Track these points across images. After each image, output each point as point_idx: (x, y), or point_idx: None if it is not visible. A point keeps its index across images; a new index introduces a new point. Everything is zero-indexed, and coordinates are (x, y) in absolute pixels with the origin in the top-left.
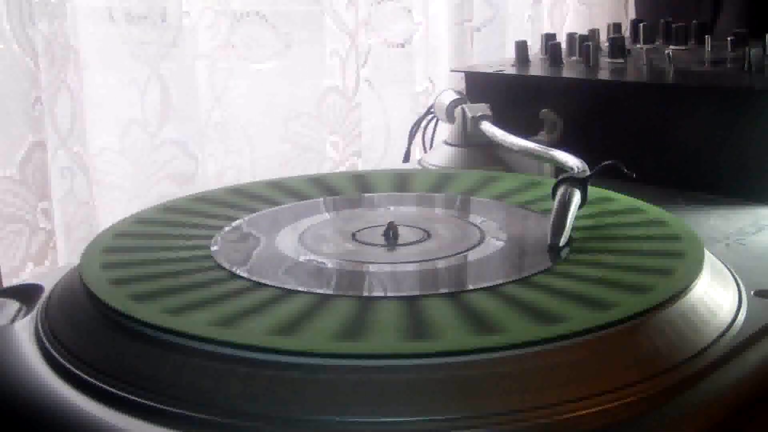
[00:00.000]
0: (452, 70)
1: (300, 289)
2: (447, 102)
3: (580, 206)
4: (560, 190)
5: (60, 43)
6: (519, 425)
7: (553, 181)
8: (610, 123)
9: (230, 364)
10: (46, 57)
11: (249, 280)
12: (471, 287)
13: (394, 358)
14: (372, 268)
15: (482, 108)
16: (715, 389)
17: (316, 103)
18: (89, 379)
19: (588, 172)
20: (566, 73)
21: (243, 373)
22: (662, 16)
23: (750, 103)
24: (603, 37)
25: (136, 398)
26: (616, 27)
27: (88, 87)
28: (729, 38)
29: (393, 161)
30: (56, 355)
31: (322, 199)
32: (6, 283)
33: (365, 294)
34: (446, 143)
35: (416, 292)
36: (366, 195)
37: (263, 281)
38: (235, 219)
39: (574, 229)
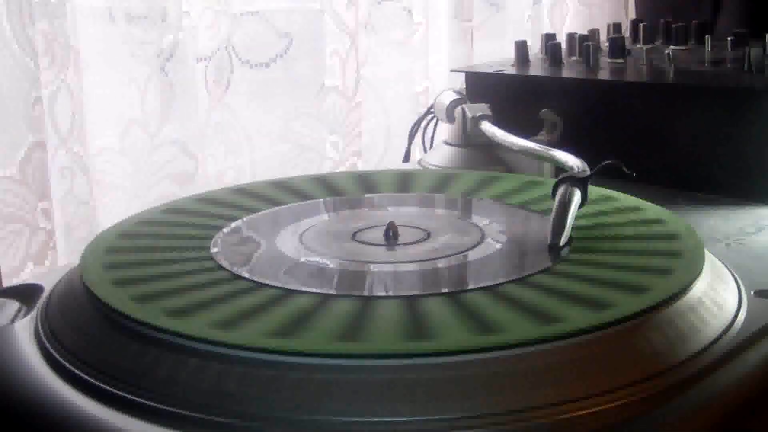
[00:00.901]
0: (452, 70)
1: (300, 289)
2: (447, 102)
3: (581, 206)
4: (560, 190)
5: (60, 43)
6: (519, 425)
7: (553, 180)
8: (610, 123)
9: (230, 364)
10: (46, 57)
11: (249, 280)
12: (471, 287)
13: (394, 358)
14: (372, 268)
15: (482, 108)
16: (715, 389)
17: (316, 103)
18: (89, 379)
19: (588, 172)
20: (566, 73)
21: (243, 373)
22: (662, 16)
23: (750, 103)
24: (603, 37)
25: (136, 398)
26: (616, 27)
27: (88, 87)
28: (729, 38)
29: (393, 161)
30: (56, 355)
31: (322, 199)
32: (6, 283)
33: (365, 294)
34: (446, 143)
35: (416, 292)
36: (366, 195)
37: (263, 282)
38: (237, 219)
39: (574, 228)
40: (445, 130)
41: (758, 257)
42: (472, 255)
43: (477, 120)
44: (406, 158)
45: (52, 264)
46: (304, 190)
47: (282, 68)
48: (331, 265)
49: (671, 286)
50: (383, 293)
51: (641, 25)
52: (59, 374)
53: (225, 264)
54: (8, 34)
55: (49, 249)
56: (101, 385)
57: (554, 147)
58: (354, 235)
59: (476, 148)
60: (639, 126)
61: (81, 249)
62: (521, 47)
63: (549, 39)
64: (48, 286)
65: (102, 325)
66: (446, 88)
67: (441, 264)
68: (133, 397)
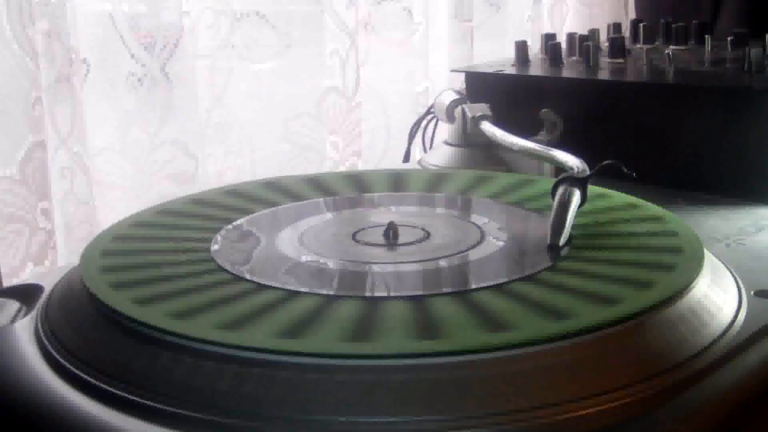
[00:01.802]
0: (452, 70)
1: (304, 290)
2: (447, 102)
3: (580, 206)
4: (560, 190)
5: (60, 43)
6: (519, 425)
7: (547, 179)
8: (610, 123)
9: (230, 364)
10: (46, 57)
11: (249, 281)
12: (473, 286)
13: (394, 359)
14: (376, 268)
15: (482, 108)
16: (715, 389)
17: (316, 103)
18: (89, 379)
19: (588, 172)
20: (566, 73)
21: (243, 373)
22: (662, 16)
23: (750, 103)
24: (603, 37)
25: (136, 398)
26: (616, 27)
27: (88, 87)
28: (729, 38)
29: (393, 161)
30: (56, 355)
31: (321, 199)
32: (6, 283)
33: (372, 295)
34: (446, 143)
35: (423, 292)
36: (365, 195)
37: (263, 282)
38: (231, 220)
39: (574, 227)
40: (445, 130)
41: (758, 257)
42: (473, 254)
43: (477, 120)
44: (406, 158)
45: (52, 264)
46: (295, 191)
47: (282, 68)
48: (335, 266)
49: (671, 287)
50: (389, 294)
51: (641, 25)
52: (59, 374)
53: (226, 265)
54: (8, 34)
55: (49, 249)
56: (101, 385)
57: (554, 147)
58: (354, 235)
59: (476, 148)
60: (639, 126)
61: (81, 249)
62: (521, 47)
63: (549, 39)
64: (48, 286)
65: (102, 326)
66: (446, 88)
67: (445, 263)
68: (133, 397)
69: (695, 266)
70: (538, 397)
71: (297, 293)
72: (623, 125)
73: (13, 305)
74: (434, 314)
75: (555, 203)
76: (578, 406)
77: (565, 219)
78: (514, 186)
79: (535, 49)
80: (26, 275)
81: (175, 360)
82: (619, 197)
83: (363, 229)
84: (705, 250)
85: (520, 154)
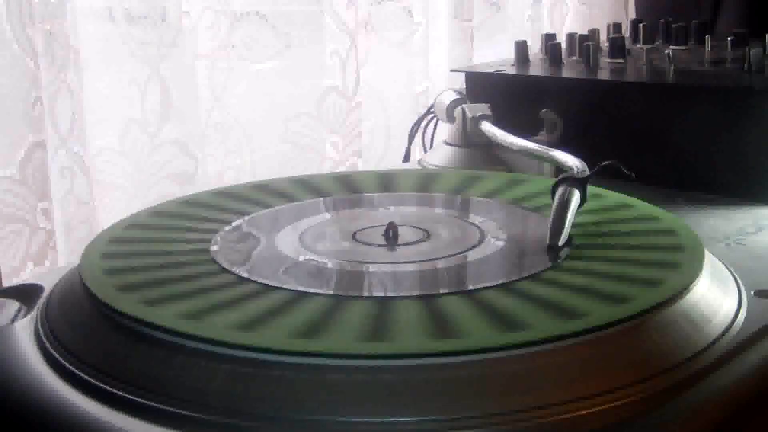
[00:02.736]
0: (452, 70)
1: (308, 291)
2: (447, 102)
3: (580, 206)
4: (560, 190)
5: (60, 43)
6: (519, 425)
7: (539, 179)
8: (610, 123)
9: (231, 364)
10: (46, 57)
11: (256, 282)
12: (481, 285)
13: (394, 359)
14: (382, 269)
15: (482, 108)
16: (715, 389)
17: (316, 103)
18: (89, 379)
19: (587, 172)
20: (566, 73)
21: (243, 373)
22: (662, 16)
23: (750, 103)
24: (603, 37)
25: (136, 398)
26: (616, 27)
27: (88, 87)
28: (729, 38)
29: (393, 161)
30: (56, 355)
31: (321, 199)
32: (6, 283)
33: (377, 295)
34: (446, 143)
35: (429, 292)
36: (363, 195)
37: (263, 282)
38: (228, 222)
39: (573, 226)
40: (445, 130)
41: (758, 257)
42: (475, 254)
43: (477, 120)
44: (406, 158)
45: (52, 264)
46: (286, 192)
47: (282, 68)
48: (338, 267)
49: (670, 287)
50: (398, 294)
51: (641, 25)
52: (59, 374)
53: (229, 266)
54: (8, 34)
55: (49, 249)
56: (101, 385)
57: (554, 147)
58: (354, 235)
59: (476, 148)
60: (639, 126)
61: (81, 249)
62: (521, 47)
63: (549, 39)
64: (48, 286)
65: (102, 325)
66: (446, 88)
67: (447, 263)
68: (133, 397)
69: (697, 262)
70: (538, 397)
71: (305, 294)
72: (623, 125)
73: (13, 305)
74: (443, 314)
75: (555, 203)
76: (578, 406)
77: (565, 219)
78: (505, 185)
79: (535, 49)
80: (26, 275)
81: (177, 360)
82: (612, 197)
83: (362, 229)
84: (705, 251)
85: (520, 154)
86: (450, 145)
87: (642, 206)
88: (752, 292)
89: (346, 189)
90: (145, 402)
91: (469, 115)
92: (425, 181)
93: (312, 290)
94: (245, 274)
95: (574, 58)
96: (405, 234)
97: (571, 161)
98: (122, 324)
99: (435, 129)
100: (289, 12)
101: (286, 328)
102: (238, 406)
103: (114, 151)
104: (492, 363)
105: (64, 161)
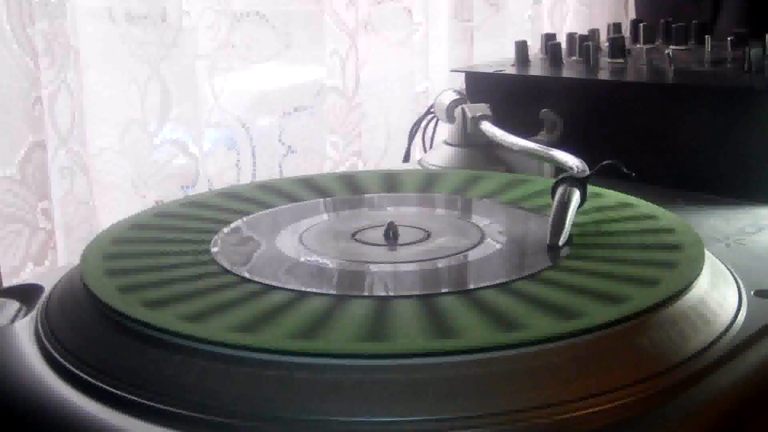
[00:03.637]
0: (452, 70)
1: (309, 291)
2: (447, 102)
3: (580, 206)
4: (560, 190)
5: (60, 43)
6: (519, 425)
7: (540, 179)
8: (610, 123)
9: (230, 364)
10: (46, 57)
11: (256, 282)
12: (480, 285)
13: (394, 359)
14: (381, 268)
15: (482, 108)
16: (715, 389)
17: (316, 103)
18: (89, 379)
19: (587, 172)
20: (566, 73)
21: (243, 373)
22: (662, 16)
23: (750, 103)
24: (603, 37)
25: (136, 398)
26: (616, 27)
27: (88, 87)
28: (729, 38)
29: (393, 161)
30: (56, 355)
31: (320, 200)
32: (6, 283)
33: (377, 294)
34: (446, 143)
35: (428, 291)
36: (363, 196)
37: (263, 282)
38: (229, 222)
39: (573, 225)
40: (445, 130)
41: (758, 257)
42: (475, 254)
43: (477, 120)
44: (406, 158)
45: (52, 264)
46: (290, 192)
47: (282, 68)
48: (339, 267)
49: (670, 287)
50: (398, 293)
51: (641, 25)
52: (59, 374)
53: (230, 267)
54: (8, 34)
55: (49, 249)
56: (101, 385)
57: (554, 147)
58: (354, 235)
59: (476, 148)
60: (639, 126)
61: (81, 249)
62: (521, 47)
63: (549, 39)
64: (48, 286)
65: (102, 325)
66: (446, 88)
67: (448, 263)
68: (133, 397)
69: (697, 262)
70: (538, 397)
71: (306, 294)
72: (623, 125)
73: (13, 305)
74: (443, 314)
75: (555, 203)
76: (578, 406)
77: (565, 219)
78: (506, 186)
79: (535, 49)
80: (26, 275)
81: (178, 361)
82: (612, 196)
83: (362, 229)
84: (705, 251)
85: (520, 154)
86: (450, 145)
87: (643, 205)
88: (752, 292)
89: (350, 189)
90: (145, 402)
91: (469, 115)
92: (429, 181)
93: (311, 290)
94: (245, 275)
95: (574, 58)
96: (405, 234)
97: (571, 161)
98: (122, 324)
99: (435, 129)
100: (289, 12)
101: (286, 328)
102: (237, 406)
103: (114, 151)
104: (491, 362)
105: (64, 161)
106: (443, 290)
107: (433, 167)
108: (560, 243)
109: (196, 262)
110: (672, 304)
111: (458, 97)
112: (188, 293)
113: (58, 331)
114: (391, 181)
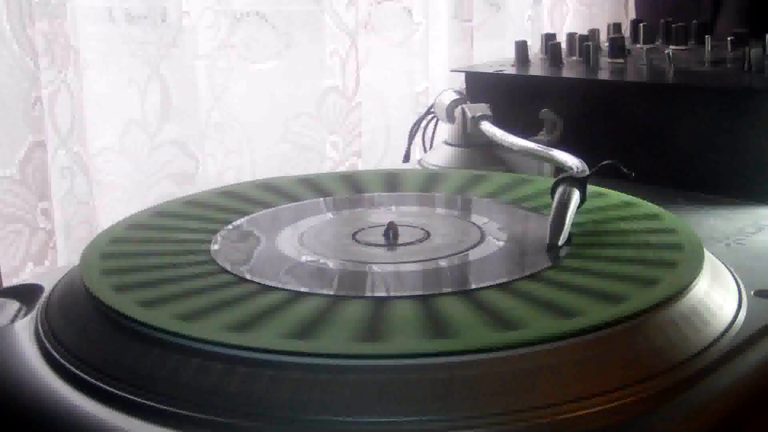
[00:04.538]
0: (452, 70)
1: (308, 291)
2: (447, 102)
3: (579, 206)
4: (559, 190)
5: (60, 43)
6: (519, 425)
7: (543, 179)
8: (610, 123)
9: (230, 364)
10: (46, 57)
11: (254, 282)
12: (479, 285)
13: (394, 359)
14: (380, 268)
15: (482, 108)
16: (715, 389)
17: (316, 103)
18: (89, 379)
19: (587, 172)
20: (566, 73)
21: (243, 373)
22: (662, 16)
23: (750, 103)
24: (603, 37)
25: (136, 398)
26: (616, 27)
27: (88, 87)
28: (729, 38)
29: (393, 161)
30: (56, 355)
31: (321, 199)
32: (6, 283)
33: (376, 295)
34: (446, 143)
35: (428, 292)
36: (364, 195)
37: (263, 282)
38: (229, 222)
39: (573, 225)
40: (445, 130)
41: (758, 257)
42: (476, 254)
43: (477, 120)
44: (406, 158)
45: (52, 264)
46: (291, 192)
47: (282, 68)
48: (338, 267)
49: (670, 287)
50: (396, 294)
51: (641, 25)
52: (59, 374)
53: (228, 266)
54: (8, 34)
55: (49, 249)
56: (101, 385)
57: (554, 147)
58: (354, 235)
59: (476, 148)
60: (639, 126)
61: (81, 249)
62: (521, 47)
63: (549, 39)
64: (48, 286)
65: (102, 325)
66: (446, 88)
67: (448, 263)
68: (133, 397)
69: (696, 262)
70: (538, 397)
71: (303, 294)
72: (623, 125)
73: (13, 305)
74: (440, 314)
75: (554, 203)
76: (578, 406)
77: (565, 219)
78: (509, 185)
79: (535, 49)
80: (26, 275)
81: (175, 360)
82: (615, 196)
83: (363, 229)
84: (705, 251)
85: (520, 154)
86: (450, 145)
87: (643, 205)
88: (752, 292)
89: (353, 189)
90: (145, 402)
91: (469, 115)
92: (432, 181)
93: (309, 290)
94: (244, 275)
95: (574, 58)
96: (405, 234)
97: (571, 161)
98: (121, 324)
99: (435, 129)
100: (289, 12)
101: (283, 327)
102: (236, 406)
103: (114, 151)
104: (490, 363)
105: (64, 161)
106: (441, 290)
107: (433, 167)
108: (560, 243)
109: (193, 262)
110: (672, 305)
111: (458, 97)
112: (184, 292)
113: (58, 331)
114: (393, 181)
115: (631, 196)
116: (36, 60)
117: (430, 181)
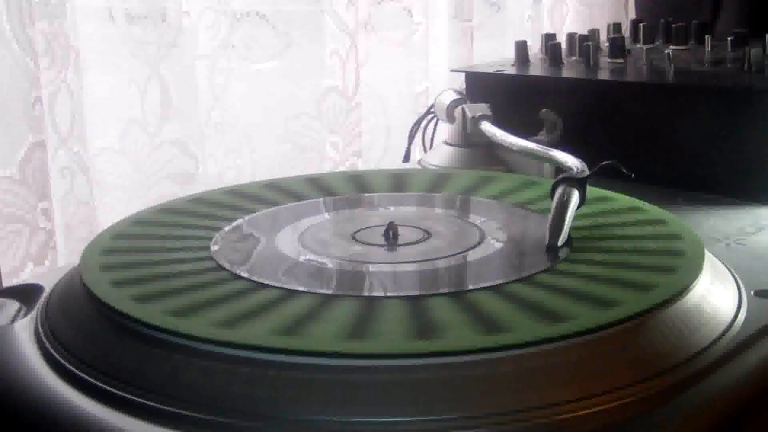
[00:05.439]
0: (452, 70)
1: (304, 290)
2: (447, 102)
3: (579, 206)
4: (559, 190)
5: (60, 43)
6: (519, 425)
7: (549, 180)
8: (610, 123)
9: (230, 364)
10: (46, 57)
11: (251, 281)
12: (471, 287)
13: (394, 358)
14: (375, 268)
15: (482, 108)
16: (715, 389)
17: (316, 103)
18: (89, 379)
19: (587, 172)
20: (566, 73)
21: (243, 373)
22: (662, 16)
23: (750, 103)
24: (603, 37)
25: (136, 398)
26: (616, 27)
27: (88, 87)
28: (729, 38)
29: (393, 161)
30: (56, 355)
31: (321, 199)
32: (6, 283)
33: (369, 294)
34: (446, 143)
35: (420, 292)
36: (366, 195)
37: (264, 282)
38: (233, 220)
39: (573, 228)
40: (445, 130)
41: (758, 257)
42: (473, 255)
43: (477, 120)
44: (406, 158)
45: (52, 264)
46: (296, 191)
47: (282, 68)
48: (334, 266)
49: (671, 287)
50: (387, 294)
51: (641, 25)
52: (59, 374)
53: (225, 264)
54: (8, 34)
55: (49, 249)
56: (101, 385)
57: (554, 147)
58: (354, 235)
59: (476, 148)
60: (639, 126)
61: (81, 249)
62: (521, 47)
63: (549, 39)
64: (48, 286)
65: (102, 325)
66: (446, 88)
67: (444, 264)
68: (133, 397)
69: (695, 269)
70: (538, 397)
71: (296, 292)
72: (623, 125)
73: (13, 305)
74: (431, 315)
75: (554, 203)
76: (578, 406)
77: (564, 219)
78: (517, 187)
79: (535, 49)
80: (26, 275)
81: (174, 359)
82: (622, 200)
83: (363, 229)
84: (705, 251)
85: (520, 154)
86: (450, 145)
87: (650, 210)
88: (752, 292)
89: (358, 189)
90: (145, 402)
91: (469, 115)
92: (438, 182)
93: (306, 289)
94: (241, 273)
95: (574, 58)
96: (405, 234)
97: (571, 161)
98: (121, 323)
99: (435, 129)
100: (289, 12)
101: (279, 326)
102: (236, 406)
103: (114, 151)
104: (491, 364)
105: (64, 161)
106: (436, 292)
107: (433, 167)
108: (559, 244)
109: (192, 259)
110: (672, 305)
111: (458, 97)
112: (180, 289)
113: (58, 331)
114: (398, 181)
115: (638, 201)
116: (36, 60)
117: (438, 181)
